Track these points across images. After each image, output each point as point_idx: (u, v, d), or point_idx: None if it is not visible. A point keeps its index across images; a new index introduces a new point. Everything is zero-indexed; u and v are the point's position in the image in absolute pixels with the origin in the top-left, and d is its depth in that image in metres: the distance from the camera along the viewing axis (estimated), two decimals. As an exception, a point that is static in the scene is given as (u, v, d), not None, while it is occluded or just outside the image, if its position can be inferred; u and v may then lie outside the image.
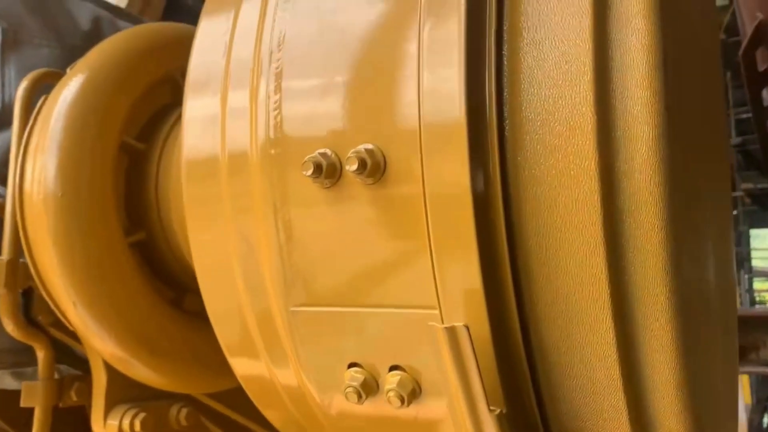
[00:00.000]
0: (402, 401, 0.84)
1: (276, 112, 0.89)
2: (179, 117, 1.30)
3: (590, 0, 0.73)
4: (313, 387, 0.97)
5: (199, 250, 1.02)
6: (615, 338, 0.75)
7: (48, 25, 1.76)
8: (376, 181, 0.82)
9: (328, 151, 0.84)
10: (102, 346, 1.56)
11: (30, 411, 1.68)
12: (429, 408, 0.85)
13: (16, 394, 1.70)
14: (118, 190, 1.50)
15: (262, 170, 0.91)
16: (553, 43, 0.74)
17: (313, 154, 0.83)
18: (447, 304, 0.78)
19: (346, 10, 0.87)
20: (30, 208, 1.45)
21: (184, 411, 1.76)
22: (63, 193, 1.41)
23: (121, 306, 1.51)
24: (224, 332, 1.08)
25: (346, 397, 0.87)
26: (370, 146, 0.81)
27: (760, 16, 2.74)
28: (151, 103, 1.60)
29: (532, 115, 0.75)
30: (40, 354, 1.64)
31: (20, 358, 1.72)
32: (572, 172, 0.73)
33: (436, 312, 0.80)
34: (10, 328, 1.55)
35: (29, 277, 1.53)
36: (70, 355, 1.77)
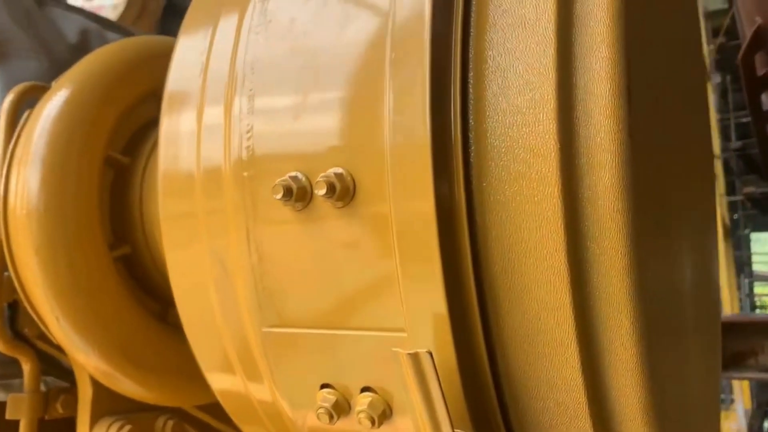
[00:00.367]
0: (372, 422, 0.84)
1: (249, 134, 0.90)
2: (163, 132, 1.31)
3: (554, 28, 0.73)
4: (286, 405, 0.98)
5: (174, 269, 1.03)
6: (580, 363, 0.75)
7: (35, 37, 1.77)
8: (345, 205, 0.82)
9: (299, 175, 0.84)
10: (86, 360, 1.56)
11: (18, 423, 1.69)
12: (399, 430, 0.86)
13: (3, 405, 1.71)
14: (103, 204, 1.50)
15: (235, 190, 0.92)
16: (517, 71, 0.75)
17: (283, 178, 0.84)
18: (414, 328, 0.78)
19: (317, 33, 0.87)
20: (14, 222, 1.45)
21: (170, 423, 1.76)
22: (46, 208, 1.41)
23: (106, 320, 1.52)
24: (201, 349, 1.09)
25: (318, 418, 0.88)
26: (339, 170, 0.82)
27: (758, 20, 2.74)
28: (137, 117, 1.60)
29: (497, 141, 0.75)
30: (26, 367, 1.65)
31: (7, 370, 1.73)
32: (536, 198, 0.74)
33: (405, 335, 0.81)
34: (-6, 342, 1.55)
35: (14, 290, 1.53)
36: (56, 367, 1.77)
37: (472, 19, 0.79)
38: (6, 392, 1.74)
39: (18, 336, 1.66)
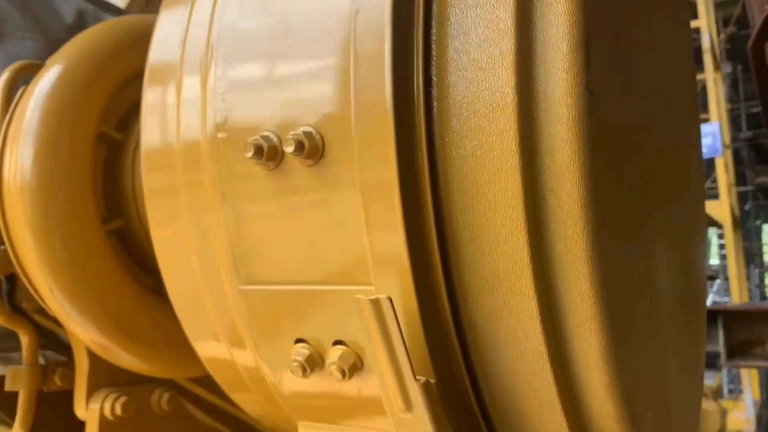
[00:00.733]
0: (343, 374, 0.87)
1: (223, 98, 0.93)
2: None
3: (513, -15, 0.75)
4: (265, 365, 1.00)
5: (159, 243, 1.06)
6: (539, 311, 0.77)
7: (32, 18, 1.80)
8: (315, 163, 0.85)
9: (270, 134, 0.87)
10: (82, 332, 1.60)
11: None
12: (371, 382, 0.88)
13: (3, 379, 1.75)
14: (96, 179, 1.54)
15: (212, 157, 0.94)
16: (478, 28, 0.77)
17: (255, 137, 0.86)
18: (379, 280, 0.80)
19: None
20: (8, 196, 1.49)
21: (165, 396, 1.80)
22: (39, 183, 1.45)
23: (100, 292, 1.55)
24: (187, 318, 1.12)
25: (292, 371, 0.90)
26: (309, 129, 0.84)
27: (768, 8, 2.73)
28: (130, 94, 1.63)
29: (459, 97, 0.77)
30: (24, 339, 1.68)
31: (6, 344, 1.77)
32: (495, 152, 0.76)
33: (373, 288, 0.83)
34: (-8, 314, 1.59)
35: (11, 263, 1.57)
36: (55, 342, 1.81)
37: (434, -22, 0.81)
38: (5, 365, 1.78)
39: (16, 310, 1.70)
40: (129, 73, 1.60)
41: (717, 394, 5.50)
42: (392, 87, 0.76)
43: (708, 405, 5.57)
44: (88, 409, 1.68)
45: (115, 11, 2.06)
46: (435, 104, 0.78)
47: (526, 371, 0.81)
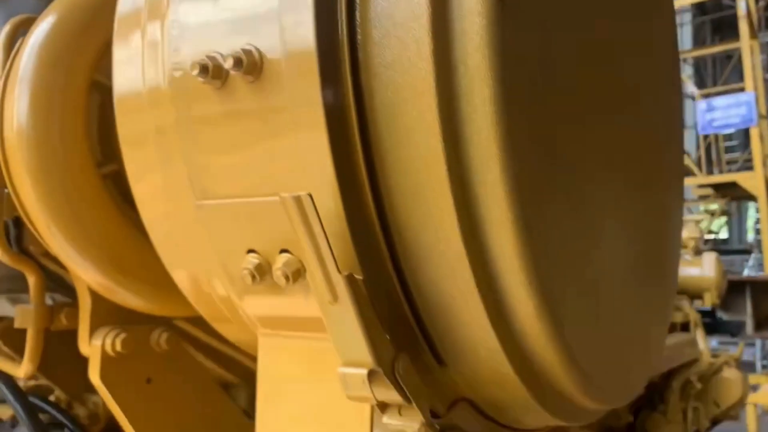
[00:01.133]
0: (287, 279, 0.93)
1: (176, 32, 0.99)
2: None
3: None
4: (227, 281, 1.07)
5: (133, 179, 1.13)
6: (456, 211, 0.83)
7: (33, -24, 1.89)
8: (256, 79, 0.91)
9: (216, 54, 0.93)
10: (83, 272, 1.70)
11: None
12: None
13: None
14: (91, 126, 1.62)
15: (170, 89, 1.01)
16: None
17: (201, 58, 0.93)
18: (311, 186, 0.86)
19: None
20: (9, 142, 1.59)
21: (164, 335, 1.89)
22: (35, 129, 1.54)
23: (96, 232, 1.64)
24: (161, 247, 1.19)
25: (243, 280, 0.97)
26: (248, 47, 0.90)
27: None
28: (123, 46, 1.71)
29: (379, 8, 0.83)
30: (31, 279, 1.79)
31: (15, 285, 1.88)
32: (412, 59, 0.81)
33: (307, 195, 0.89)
34: (-2, 253, 1.70)
35: (14, 207, 1.67)
36: (62, 285, 1.92)
37: None
38: (15, 305, 1.89)
39: (24, 253, 1.81)
40: (121, 25, 1.68)
41: (740, 363, 5.45)
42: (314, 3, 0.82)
43: (730, 373, 5.53)
44: (91, 345, 1.79)
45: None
46: (358, 16, 0.84)
47: (448, 267, 0.87)
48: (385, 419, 0.98)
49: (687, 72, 17.73)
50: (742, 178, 12.04)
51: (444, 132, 0.80)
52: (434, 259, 0.87)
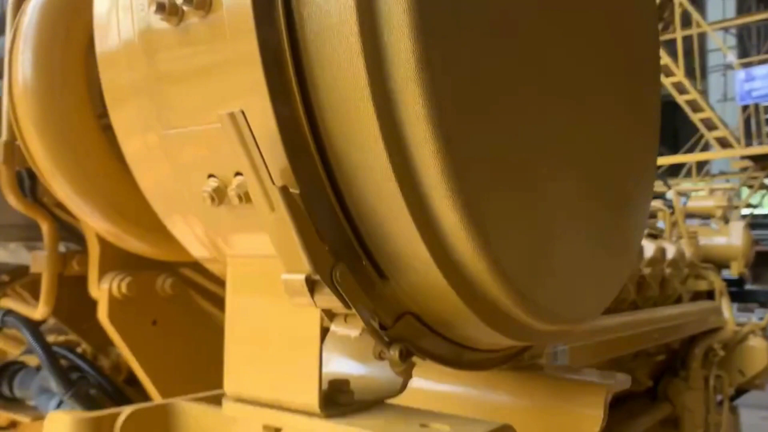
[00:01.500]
0: (240, 199, 1.02)
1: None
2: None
3: None
4: (196, 211, 1.17)
5: (120, 133, 1.23)
6: (380, 129, 0.90)
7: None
8: (207, 14, 0.99)
9: (172, -7, 1.02)
10: (90, 219, 1.83)
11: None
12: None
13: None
14: (91, 79, 1.74)
15: (140, 45, 1.09)
16: None
17: (158, -2, 1.02)
18: (248, 106, 0.95)
19: None
20: (17, 97, 1.71)
21: (169, 280, 2.02)
22: (38, 84, 1.66)
23: (100, 182, 1.77)
24: (149, 193, 1.27)
25: (204, 202, 1.07)
26: (197, -17, 0.99)
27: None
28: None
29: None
30: (44, 227, 1.94)
31: (30, 233, 2.03)
32: (337, -14, 0.89)
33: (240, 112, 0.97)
34: (12, 201, 1.84)
35: (24, 158, 1.81)
36: (75, 235, 2.06)
37: None
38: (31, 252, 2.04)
39: (38, 203, 1.95)
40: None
41: (766, 332, 5.40)
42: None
43: (756, 341, 5.50)
44: (99, 289, 1.93)
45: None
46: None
47: (377, 184, 0.95)
48: (333, 327, 1.07)
49: (730, 42, 17.21)
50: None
51: (366, 54, 0.88)
52: (364, 175, 0.95)
